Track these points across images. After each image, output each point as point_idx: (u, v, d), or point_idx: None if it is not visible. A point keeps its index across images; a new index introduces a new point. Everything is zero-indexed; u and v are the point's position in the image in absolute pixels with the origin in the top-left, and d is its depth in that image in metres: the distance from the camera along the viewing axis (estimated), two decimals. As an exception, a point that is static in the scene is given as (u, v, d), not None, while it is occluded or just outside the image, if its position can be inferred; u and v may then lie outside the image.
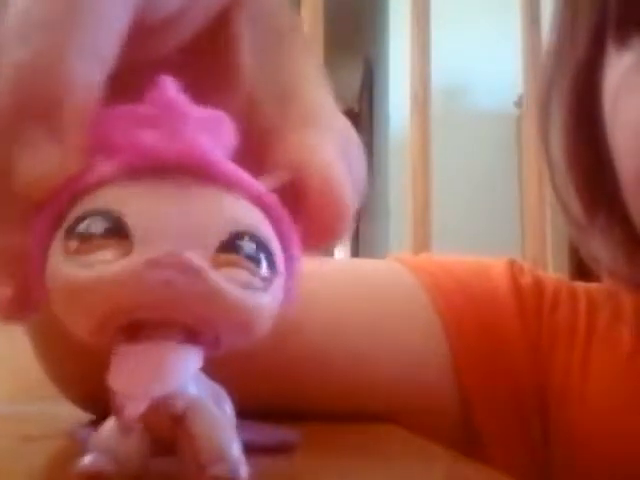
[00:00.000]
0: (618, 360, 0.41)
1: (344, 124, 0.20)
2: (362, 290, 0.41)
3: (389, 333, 0.40)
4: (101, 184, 0.16)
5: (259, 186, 0.17)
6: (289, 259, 0.17)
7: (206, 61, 0.21)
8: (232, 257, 0.16)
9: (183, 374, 0.16)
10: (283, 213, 0.17)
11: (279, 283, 0.17)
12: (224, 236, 0.16)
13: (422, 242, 1.08)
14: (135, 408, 0.16)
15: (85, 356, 0.36)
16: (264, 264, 0.16)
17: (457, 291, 0.41)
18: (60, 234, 0.16)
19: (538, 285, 0.43)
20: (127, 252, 0.15)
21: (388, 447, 0.30)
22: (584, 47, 0.40)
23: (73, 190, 0.16)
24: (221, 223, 0.16)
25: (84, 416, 0.37)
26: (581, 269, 0.47)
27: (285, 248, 0.17)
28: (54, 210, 0.16)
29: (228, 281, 0.15)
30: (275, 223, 0.17)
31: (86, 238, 0.15)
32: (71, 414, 0.39)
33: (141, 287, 0.15)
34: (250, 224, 0.16)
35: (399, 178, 1.51)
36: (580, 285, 0.45)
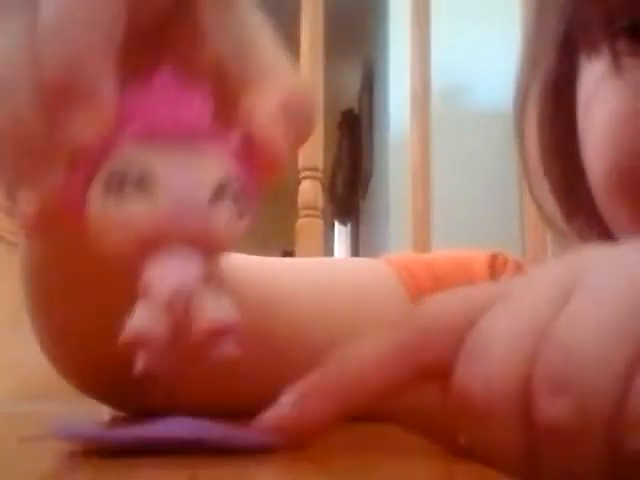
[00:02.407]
0: None
1: (291, 74, 0.25)
2: (343, 287, 0.42)
3: (366, 329, 0.40)
4: (128, 143, 0.22)
5: (231, 143, 0.23)
6: (248, 189, 0.24)
7: (173, 23, 0.25)
8: (221, 199, 0.22)
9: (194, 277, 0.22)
10: (244, 162, 0.24)
11: (248, 210, 0.23)
12: (215, 185, 0.22)
13: (422, 242, 1.08)
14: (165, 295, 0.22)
15: (80, 329, 0.37)
16: (240, 203, 0.23)
17: (434, 289, 0.42)
18: (100, 179, 0.22)
19: None
20: (154, 199, 0.22)
21: (387, 447, 0.30)
22: (553, 57, 0.41)
23: (107, 147, 0.22)
24: (215, 175, 0.23)
25: (83, 416, 0.37)
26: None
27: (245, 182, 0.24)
28: (92, 160, 0.22)
29: (220, 215, 0.22)
30: (240, 166, 0.23)
31: (121, 184, 0.22)
32: (71, 414, 0.39)
33: (165, 224, 0.22)
34: (230, 175, 0.23)
35: (399, 178, 1.51)
36: None
